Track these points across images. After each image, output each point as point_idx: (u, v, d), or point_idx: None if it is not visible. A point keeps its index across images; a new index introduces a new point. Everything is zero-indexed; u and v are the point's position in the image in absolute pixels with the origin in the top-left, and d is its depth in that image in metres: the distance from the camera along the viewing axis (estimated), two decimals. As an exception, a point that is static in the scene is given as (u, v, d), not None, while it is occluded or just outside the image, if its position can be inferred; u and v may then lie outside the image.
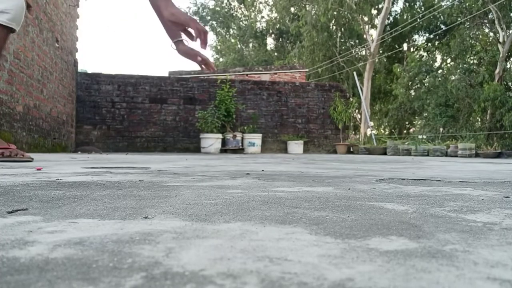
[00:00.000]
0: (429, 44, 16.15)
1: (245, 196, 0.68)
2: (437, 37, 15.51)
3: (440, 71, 13.39)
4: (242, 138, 7.67)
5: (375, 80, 16.39)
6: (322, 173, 1.29)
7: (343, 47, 16.43)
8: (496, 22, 11.18)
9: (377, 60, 15.10)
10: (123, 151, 7.18)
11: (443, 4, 13.98)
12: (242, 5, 20.69)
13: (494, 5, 10.50)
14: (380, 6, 15.29)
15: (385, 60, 16.24)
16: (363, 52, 16.08)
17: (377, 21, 14.91)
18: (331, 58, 15.72)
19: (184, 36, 1.35)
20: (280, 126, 8.28)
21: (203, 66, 1.38)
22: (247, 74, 10.33)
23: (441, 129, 11.25)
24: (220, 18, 20.64)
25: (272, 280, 0.24)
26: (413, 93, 13.86)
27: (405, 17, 16.33)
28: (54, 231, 0.38)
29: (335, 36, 16.08)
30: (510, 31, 11.14)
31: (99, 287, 0.23)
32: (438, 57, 16.27)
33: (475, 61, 12.28)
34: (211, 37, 27.74)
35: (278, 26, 19.03)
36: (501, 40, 11.11)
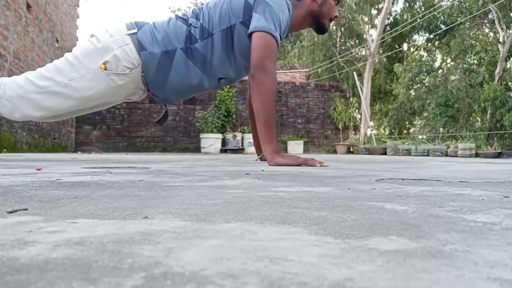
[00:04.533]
0: (429, 44, 16.15)
1: (245, 196, 0.68)
2: (437, 37, 15.51)
3: (440, 71, 13.39)
4: (242, 138, 7.66)
5: (375, 80, 16.39)
6: (322, 173, 1.29)
7: (343, 47, 16.42)
8: (496, 22, 11.18)
9: (377, 60, 15.09)
10: (123, 151, 7.18)
11: (443, 4, 13.98)
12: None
13: (494, 5, 10.50)
14: (380, 6, 15.29)
15: (385, 60, 16.23)
16: (363, 52, 16.07)
17: (377, 21, 14.91)
18: (331, 58, 15.70)
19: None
20: (280, 126, 8.27)
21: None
22: (247, 74, 10.31)
23: (441, 129, 11.25)
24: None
25: (272, 280, 0.24)
26: (413, 93, 13.86)
27: (405, 17, 16.33)
28: (54, 231, 0.38)
29: (335, 36, 16.06)
30: (510, 31, 11.14)
31: (99, 287, 0.23)
32: (438, 57, 16.26)
33: (475, 61, 12.28)
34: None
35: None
36: (501, 40, 11.10)
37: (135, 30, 1.86)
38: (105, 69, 1.80)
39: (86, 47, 1.85)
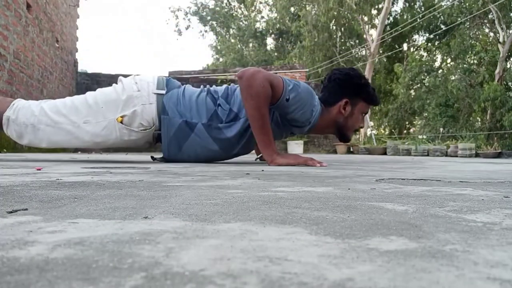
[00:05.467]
0: (429, 44, 16.15)
1: (245, 196, 0.68)
2: (437, 37, 15.50)
3: (440, 71, 13.39)
4: (242, 138, 7.63)
5: (375, 80, 16.39)
6: (322, 173, 1.29)
7: (343, 47, 16.42)
8: (496, 22, 11.18)
9: (377, 60, 15.09)
10: (123, 151, 7.16)
11: (443, 4, 13.97)
12: (242, 5, 20.65)
13: (494, 5, 10.50)
14: (380, 6, 15.29)
15: (385, 60, 16.24)
16: (363, 52, 16.07)
17: (377, 21, 14.91)
18: (331, 58, 15.71)
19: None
20: (280, 126, 8.23)
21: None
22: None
23: (441, 129, 11.25)
24: (220, 18, 20.62)
25: (272, 280, 0.24)
26: (413, 93, 13.86)
27: (405, 17, 16.33)
28: (54, 231, 0.38)
29: (335, 36, 16.07)
30: (510, 31, 11.14)
31: (99, 287, 0.23)
32: (438, 57, 16.26)
33: (475, 61, 12.28)
34: (211, 37, 27.61)
35: (278, 26, 19.02)
36: (501, 40, 11.10)
37: (163, 92, 1.87)
38: (121, 122, 1.81)
39: (110, 94, 1.87)
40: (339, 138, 2.12)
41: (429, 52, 16.20)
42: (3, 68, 4.00)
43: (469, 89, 10.98)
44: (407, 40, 17.31)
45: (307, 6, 16.25)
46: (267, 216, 0.48)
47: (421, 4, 16.41)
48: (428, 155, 6.27)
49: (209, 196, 0.67)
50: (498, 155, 5.70)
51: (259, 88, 1.72)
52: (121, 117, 1.80)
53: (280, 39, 19.85)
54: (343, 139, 2.09)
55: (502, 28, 10.98)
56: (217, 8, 20.72)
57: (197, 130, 1.87)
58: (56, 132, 1.85)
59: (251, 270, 0.26)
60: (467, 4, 11.83)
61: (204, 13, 20.78)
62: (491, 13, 11.53)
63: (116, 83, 1.93)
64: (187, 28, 22.89)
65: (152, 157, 2.26)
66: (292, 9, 17.52)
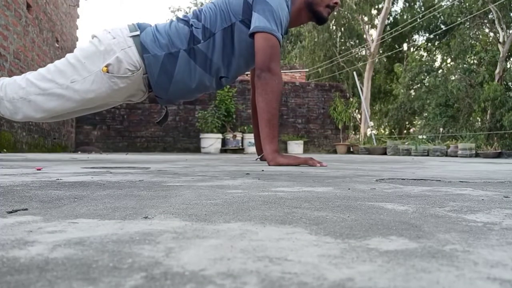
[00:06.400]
0: (429, 44, 16.14)
1: (245, 196, 0.68)
2: (437, 37, 15.51)
3: (440, 71, 13.39)
4: (242, 138, 7.65)
5: (375, 80, 16.39)
6: (322, 173, 1.29)
7: (343, 47, 16.42)
8: (496, 22, 11.18)
9: (377, 60, 15.09)
10: (123, 151, 7.17)
11: (443, 4, 13.97)
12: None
13: (494, 5, 10.50)
14: (380, 6, 15.29)
15: (385, 60, 16.24)
16: (363, 52, 16.07)
17: (377, 21, 14.91)
18: (331, 58, 15.71)
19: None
20: (280, 126, 8.26)
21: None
22: (247, 74, 10.31)
23: (441, 129, 11.25)
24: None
25: (272, 280, 0.24)
26: (413, 93, 13.86)
27: (405, 17, 16.34)
28: (54, 231, 0.38)
29: (335, 36, 16.06)
30: (510, 31, 11.14)
31: (99, 287, 0.23)
32: (438, 57, 16.27)
33: (475, 61, 12.28)
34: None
35: (278, 26, 19.01)
36: (501, 40, 11.10)
37: (138, 32, 1.87)
38: (107, 71, 1.81)
39: (88, 49, 1.86)
40: (316, 21, 2.09)
41: (429, 52, 16.21)
42: (3, 68, 4.00)
43: (469, 89, 10.98)
44: (407, 40, 17.32)
45: (307, 6, 16.24)
46: (267, 216, 0.48)
47: (421, 4, 16.42)
48: (428, 155, 6.27)
49: (209, 196, 0.67)
50: (498, 155, 5.70)
51: (274, 87, 1.83)
52: (106, 66, 1.80)
53: (280, 39, 19.83)
54: (319, 18, 2.06)
55: (502, 28, 10.98)
56: (217, 8, 20.73)
57: (181, 59, 1.88)
58: (47, 99, 1.84)
59: (251, 270, 0.26)
60: (467, 4, 11.83)
61: (204, 13, 20.79)
62: (491, 13, 11.53)
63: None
64: (187, 28, 22.93)
65: (157, 122, 2.29)
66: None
